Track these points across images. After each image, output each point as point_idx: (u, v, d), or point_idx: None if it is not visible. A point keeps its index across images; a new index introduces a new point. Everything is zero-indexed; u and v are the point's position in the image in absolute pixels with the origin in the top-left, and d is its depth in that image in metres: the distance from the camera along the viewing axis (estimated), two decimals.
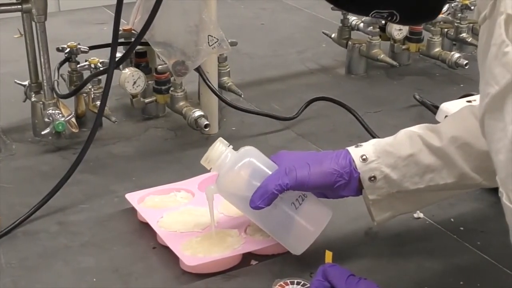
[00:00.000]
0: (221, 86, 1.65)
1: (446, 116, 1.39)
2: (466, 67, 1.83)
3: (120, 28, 1.37)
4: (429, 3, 0.80)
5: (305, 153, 1.11)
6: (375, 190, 1.08)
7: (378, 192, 1.08)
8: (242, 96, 1.65)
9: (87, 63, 1.55)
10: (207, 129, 1.51)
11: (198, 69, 1.52)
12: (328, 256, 1.00)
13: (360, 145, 1.10)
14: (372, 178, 1.07)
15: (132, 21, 1.57)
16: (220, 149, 1.10)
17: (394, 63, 1.88)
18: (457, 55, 1.85)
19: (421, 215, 1.25)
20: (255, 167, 1.09)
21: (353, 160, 1.07)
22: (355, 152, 1.08)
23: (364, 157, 1.07)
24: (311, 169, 1.05)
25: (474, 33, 2.02)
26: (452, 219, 1.25)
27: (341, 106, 1.63)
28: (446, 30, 1.98)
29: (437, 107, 1.50)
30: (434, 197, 1.13)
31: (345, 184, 1.07)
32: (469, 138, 1.05)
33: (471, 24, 2.01)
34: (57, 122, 1.47)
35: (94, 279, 1.11)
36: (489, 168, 0.86)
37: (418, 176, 1.07)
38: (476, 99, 1.47)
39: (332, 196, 1.11)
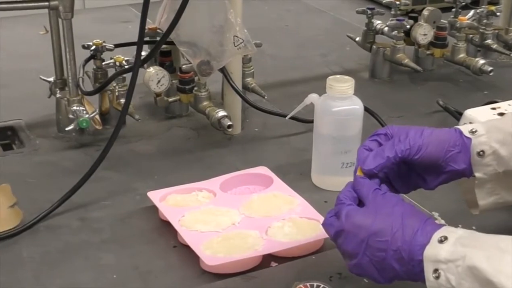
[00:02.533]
0: (245, 87, 1.64)
1: (470, 123, 1.39)
2: (491, 74, 1.81)
3: (146, 27, 1.38)
4: None
5: (416, 127, 1.07)
6: (482, 167, 1.05)
7: (485, 169, 1.05)
8: (266, 97, 1.65)
9: (112, 60, 1.54)
10: (230, 130, 1.51)
11: (223, 70, 1.52)
12: (359, 172, 1.02)
13: (470, 122, 1.09)
14: (481, 153, 1.04)
15: (158, 20, 1.57)
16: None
17: (418, 68, 1.87)
18: (481, 61, 1.83)
19: (443, 221, 1.24)
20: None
21: (462, 132, 1.05)
22: (464, 127, 1.06)
23: (473, 129, 1.04)
24: (424, 135, 1.03)
25: (499, 39, 2.01)
26: (474, 227, 1.23)
27: (364, 110, 1.62)
28: (471, 36, 1.96)
29: (460, 114, 1.48)
30: None
31: (456, 154, 1.04)
32: None
33: (496, 31, 2.00)
34: (81, 119, 1.47)
35: (114, 276, 1.11)
36: None
37: None
38: (501, 106, 1.45)
39: (438, 175, 1.06)
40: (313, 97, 1.37)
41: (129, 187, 1.36)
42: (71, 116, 1.50)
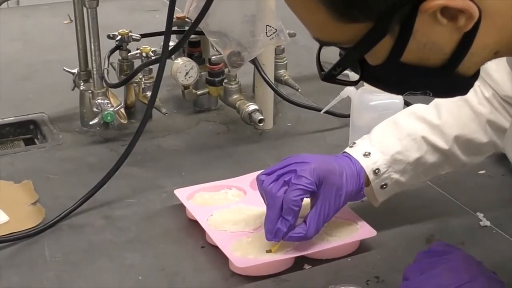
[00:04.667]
0: (277, 79, 1.64)
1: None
2: None
3: (174, 16, 1.38)
4: (458, 85, 0.85)
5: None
6: (386, 193, 1.19)
7: (388, 194, 1.20)
8: (299, 90, 1.65)
9: (138, 51, 1.55)
10: (261, 124, 1.51)
11: (254, 61, 1.52)
12: None
13: (368, 153, 1.16)
14: (384, 186, 1.18)
15: (187, 9, 1.58)
16: None
17: None
18: None
19: (488, 223, 1.24)
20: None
21: (366, 173, 1.16)
22: (367, 164, 1.16)
23: (376, 171, 1.16)
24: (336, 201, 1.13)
25: None
26: None
27: (404, 104, 1.61)
28: None
29: None
30: None
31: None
32: (470, 134, 1.19)
33: None
34: (105, 112, 1.48)
35: (140, 277, 1.12)
36: (481, 153, 1.21)
37: (424, 173, 1.21)
38: None
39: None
40: (350, 91, 1.37)
41: (155, 184, 1.37)
42: (95, 109, 1.51)
